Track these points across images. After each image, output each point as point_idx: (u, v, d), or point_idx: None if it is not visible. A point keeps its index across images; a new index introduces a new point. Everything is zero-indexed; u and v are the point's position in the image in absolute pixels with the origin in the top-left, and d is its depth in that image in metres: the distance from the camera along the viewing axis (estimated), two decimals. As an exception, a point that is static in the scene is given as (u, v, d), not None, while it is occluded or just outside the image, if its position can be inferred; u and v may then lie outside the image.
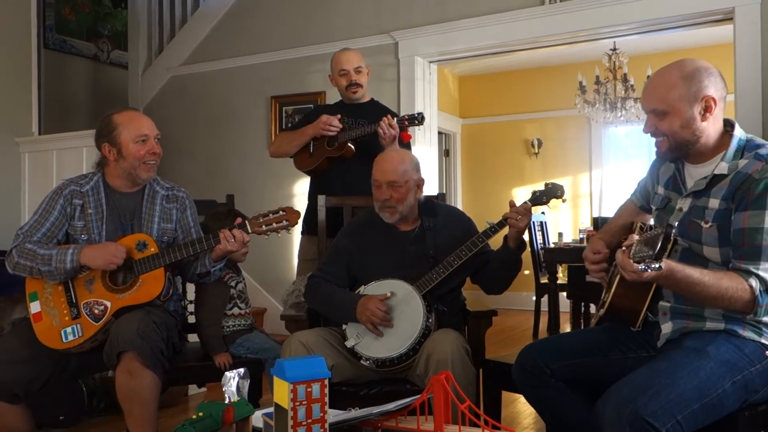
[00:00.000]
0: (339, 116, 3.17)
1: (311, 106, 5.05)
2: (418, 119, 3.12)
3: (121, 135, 2.42)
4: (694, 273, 1.65)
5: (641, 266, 1.52)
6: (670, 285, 1.71)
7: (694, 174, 1.87)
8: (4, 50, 4.82)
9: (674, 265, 1.63)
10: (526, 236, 2.49)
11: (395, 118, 3.08)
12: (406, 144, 3.16)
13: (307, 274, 3.10)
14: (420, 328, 2.28)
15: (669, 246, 1.46)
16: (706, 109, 1.78)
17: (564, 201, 2.48)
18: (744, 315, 1.73)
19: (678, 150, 1.84)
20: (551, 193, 2.44)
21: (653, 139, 1.90)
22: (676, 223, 1.49)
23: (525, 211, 2.36)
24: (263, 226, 2.41)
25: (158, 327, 2.28)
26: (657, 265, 1.50)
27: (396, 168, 2.45)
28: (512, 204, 2.40)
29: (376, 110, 3.30)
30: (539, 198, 2.44)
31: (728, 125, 1.86)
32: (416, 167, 2.51)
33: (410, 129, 3.20)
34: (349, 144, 3.16)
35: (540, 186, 2.49)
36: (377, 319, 2.29)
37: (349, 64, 3.27)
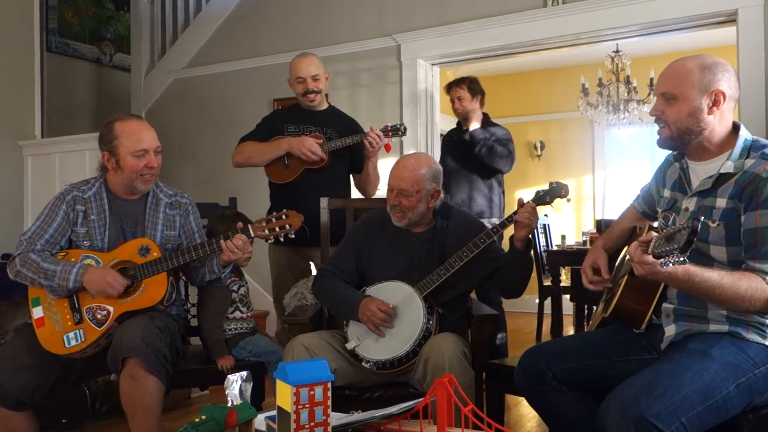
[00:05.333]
0: (321, 140, 3.13)
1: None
2: (401, 130, 3.11)
3: (120, 147, 2.40)
4: (713, 276, 1.65)
5: (662, 261, 1.51)
6: (688, 288, 1.69)
7: (700, 173, 1.87)
8: (6, 53, 4.83)
9: (692, 269, 1.63)
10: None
11: (380, 129, 3.09)
12: (387, 155, 3.17)
13: (279, 280, 3.17)
14: (420, 329, 2.27)
15: (694, 240, 1.45)
16: (714, 103, 1.79)
17: (569, 200, 2.42)
18: (762, 314, 1.73)
19: (679, 139, 1.85)
20: (555, 192, 2.37)
21: (656, 142, 1.90)
22: (702, 218, 1.48)
23: (533, 210, 2.32)
24: (266, 230, 2.41)
25: (162, 332, 2.28)
26: (682, 259, 1.49)
27: (407, 176, 2.42)
28: (521, 202, 2.35)
29: (335, 118, 3.30)
30: (543, 198, 2.37)
31: (734, 127, 1.86)
32: (433, 176, 2.45)
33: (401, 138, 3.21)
34: (328, 156, 3.13)
35: (544, 186, 2.42)
36: (378, 320, 2.29)
37: (306, 71, 3.24)
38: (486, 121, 4.32)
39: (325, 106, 3.37)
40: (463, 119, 4.36)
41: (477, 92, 4.30)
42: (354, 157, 3.26)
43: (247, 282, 2.80)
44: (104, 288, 2.29)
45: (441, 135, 4.95)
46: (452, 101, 4.37)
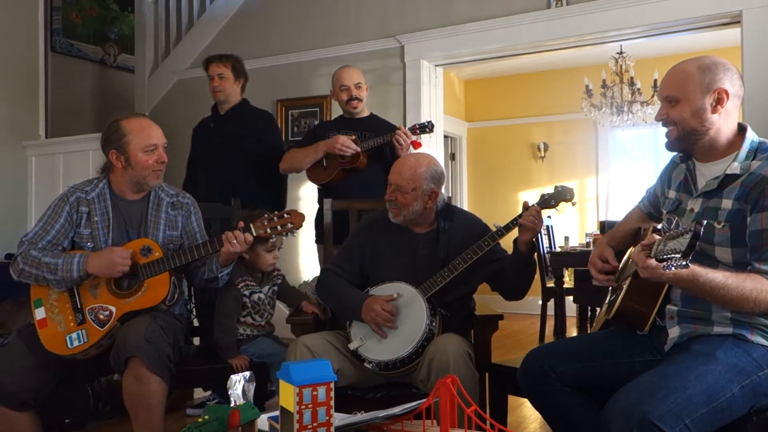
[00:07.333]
0: (354, 137, 3.30)
1: (317, 109, 5.08)
2: (428, 128, 3.31)
3: (130, 144, 2.41)
4: (717, 276, 1.64)
5: (664, 264, 1.51)
6: (693, 288, 1.68)
7: (706, 174, 1.86)
8: (11, 54, 4.84)
9: (697, 269, 1.62)
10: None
11: (407, 128, 3.27)
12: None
13: None
14: (422, 331, 2.27)
15: (696, 244, 1.44)
16: (718, 102, 1.78)
17: (574, 204, 2.42)
18: (767, 316, 1.72)
19: (686, 140, 1.84)
20: (560, 196, 2.38)
21: (660, 144, 1.90)
22: (705, 221, 1.47)
23: (537, 213, 2.32)
24: (268, 229, 2.40)
25: (165, 332, 2.28)
26: (684, 263, 1.48)
27: (404, 173, 2.43)
28: (526, 205, 2.35)
29: (376, 124, 3.47)
30: (548, 201, 2.38)
31: (741, 128, 1.85)
32: (432, 177, 2.45)
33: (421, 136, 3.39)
34: (362, 155, 3.29)
35: (549, 189, 2.42)
36: (381, 319, 2.29)
37: (350, 80, 3.46)
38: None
39: (366, 114, 3.56)
40: (222, 102, 3.80)
41: (241, 74, 3.77)
42: (389, 158, 3.31)
43: (284, 280, 2.83)
44: (113, 268, 2.30)
45: (444, 136, 4.96)
46: (211, 78, 3.72)
